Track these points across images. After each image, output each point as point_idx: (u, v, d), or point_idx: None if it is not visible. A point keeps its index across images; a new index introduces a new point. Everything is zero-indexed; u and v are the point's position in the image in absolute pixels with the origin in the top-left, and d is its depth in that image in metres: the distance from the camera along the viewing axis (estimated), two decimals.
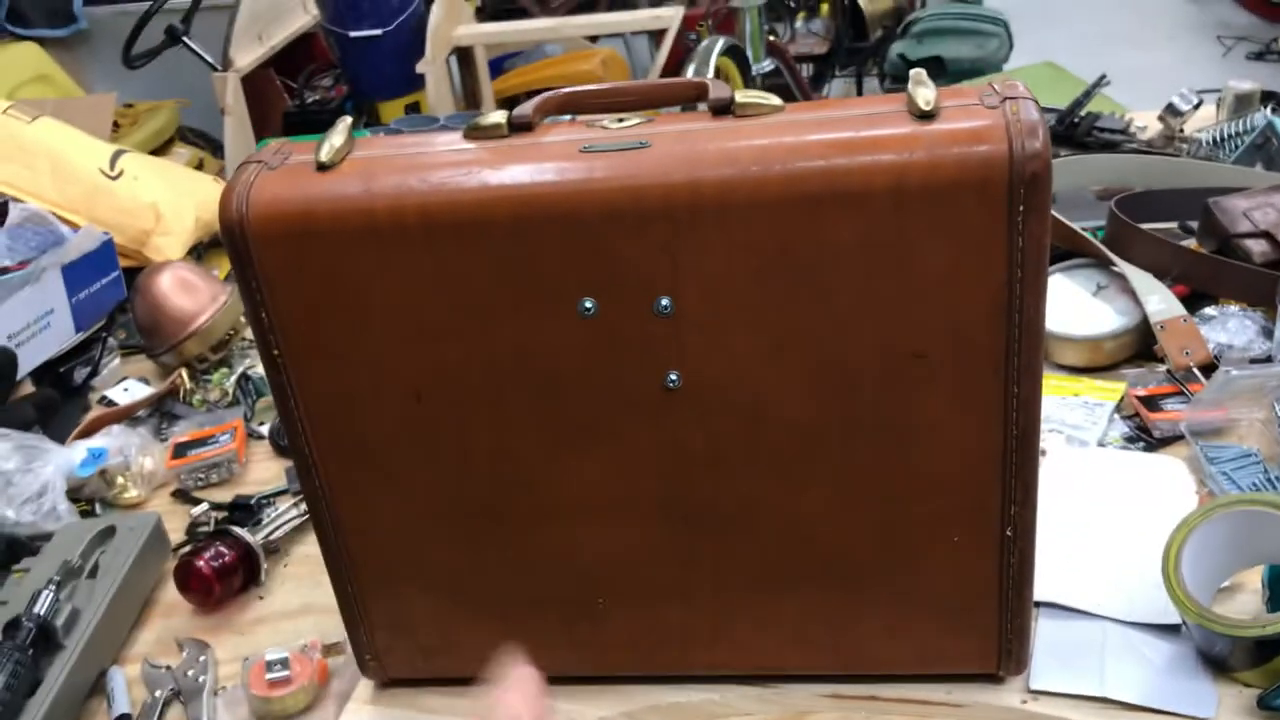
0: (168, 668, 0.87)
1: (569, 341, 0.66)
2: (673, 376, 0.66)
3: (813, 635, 0.75)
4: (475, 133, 0.66)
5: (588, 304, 0.64)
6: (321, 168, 0.65)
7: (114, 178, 1.45)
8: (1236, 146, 1.37)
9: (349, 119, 0.68)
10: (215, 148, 2.40)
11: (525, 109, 0.66)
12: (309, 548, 1.00)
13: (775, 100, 0.64)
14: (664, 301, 0.64)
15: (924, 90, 0.61)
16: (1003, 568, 0.70)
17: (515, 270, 0.64)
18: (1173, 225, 1.23)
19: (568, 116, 0.71)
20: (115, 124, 2.55)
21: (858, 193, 0.60)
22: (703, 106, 0.66)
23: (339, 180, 0.64)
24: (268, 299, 0.66)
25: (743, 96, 0.64)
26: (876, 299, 0.62)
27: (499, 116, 0.67)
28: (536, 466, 0.70)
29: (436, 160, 0.64)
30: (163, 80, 2.54)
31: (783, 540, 0.71)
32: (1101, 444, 0.98)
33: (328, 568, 0.77)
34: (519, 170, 0.63)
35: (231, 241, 0.65)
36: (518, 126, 0.66)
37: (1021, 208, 0.59)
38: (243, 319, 1.29)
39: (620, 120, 0.66)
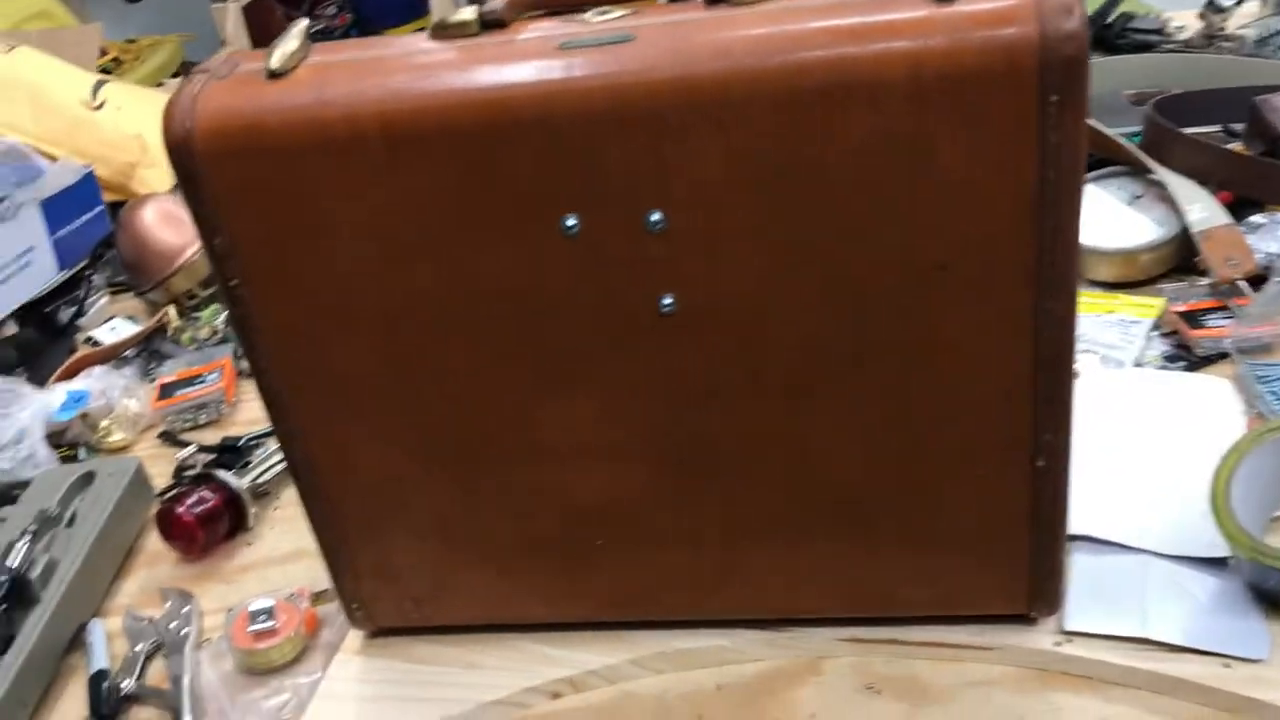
0: (151, 620, 0.83)
1: (551, 264, 0.59)
2: (666, 300, 0.60)
3: (828, 576, 0.70)
4: (442, 31, 0.60)
5: (570, 221, 0.58)
6: (273, 75, 0.58)
7: (96, 108, 1.39)
8: None
9: (305, 21, 0.62)
10: None
11: (497, 2, 0.59)
12: None
13: None
14: (655, 216, 0.57)
15: None
16: (1034, 501, 0.64)
17: (488, 185, 0.58)
18: (1215, 129, 1.15)
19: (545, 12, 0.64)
20: (117, 59, 2.48)
21: (868, 85, 0.53)
22: None
23: (290, 89, 0.58)
24: (220, 223, 0.60)
25: None
26: (891, 205, 0.56)
27: (469, 13, 0.60)
28: (522, 401, 0.64)
29: (397, 64, 0.58)
30: (166, 15, 2.47)
31: (793, 476, 0.65)
32: (1139, 364, 0.92)
33: (306, 512, 0.71)
34: (488, 72, 0.56)
35: (178, 159, 0.59)
36: (489, 24, 0.60)
37: (1054, 98, 0.52)
38: None
39: (603, 13, 0.59)
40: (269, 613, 0.78)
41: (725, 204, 0.57)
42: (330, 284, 0.62)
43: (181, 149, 0.58)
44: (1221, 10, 1.38)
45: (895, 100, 0.53)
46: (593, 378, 0.63)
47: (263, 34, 2.33)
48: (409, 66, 0.57)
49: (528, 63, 0.56)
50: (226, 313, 1.18)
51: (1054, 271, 0.57)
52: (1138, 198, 1.03)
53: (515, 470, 0.67)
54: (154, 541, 0.91)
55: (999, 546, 0.66)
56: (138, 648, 0.80)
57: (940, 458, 0.63)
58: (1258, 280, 0.95)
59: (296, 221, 0.60)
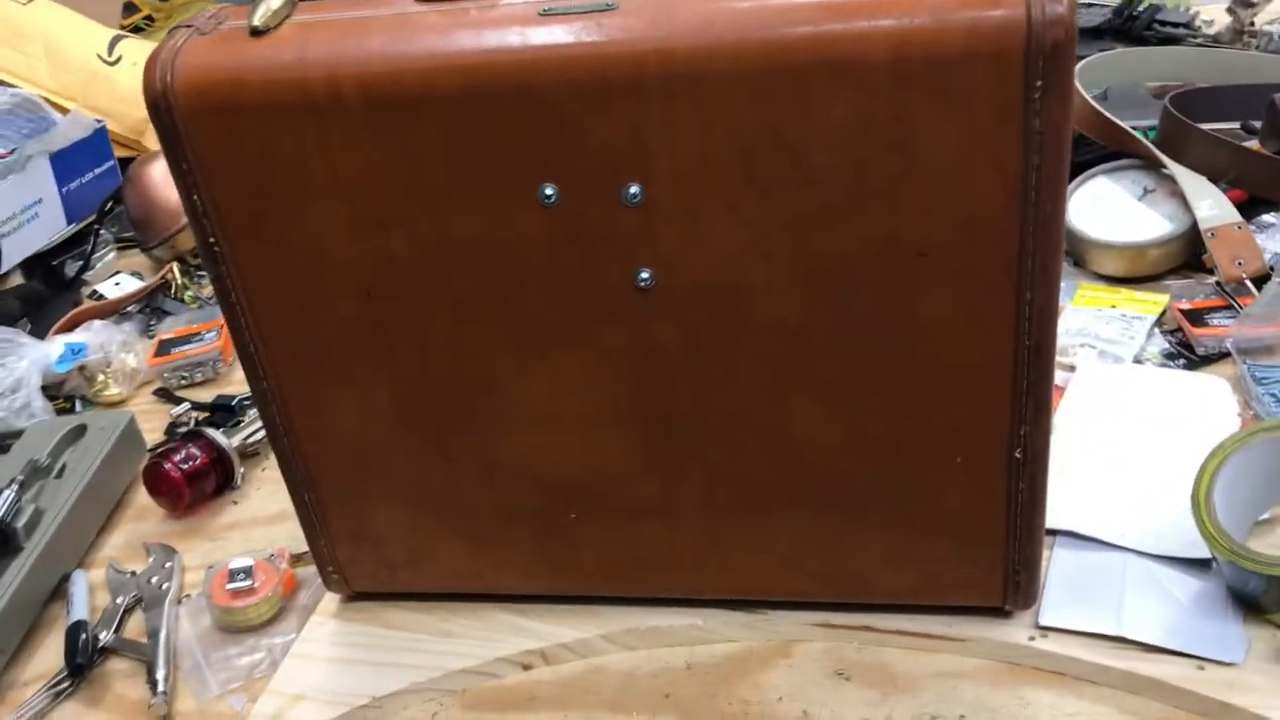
0: (133, 573, 0.83)
1: (529, 233, 0.59)
2: (644, 274, 0.59)
3: (805, 560, 0.69)
4: None
5: (549, 191, 0.57)
6: (256, 33, 0.58)
7: (112, 64, 1.39)
8: None
9: None
10: None
11: None
12: None
13: None
14: (633, 189, 0.57)
15: None
16: (1011, 493, 0.64)
17: (467, 152, 0.57)
18: (1234, 125, 1.13)
19: None
20: (150, 17, 2.47)
21: (852, 63, 0.52)
22: None
23: (273, 47, 0.57)
24: (200, 180, 0.60)
25: None
26: (873, 187, 0.55)
27: None
28: (499, 370, 0.64)
29: (380, 25, 0.57)
30: None
31: (771, 455, 0.65)
32: (1138, 360, 0.90)
33: (283, 475, 0.72)
34: (469, 36, 0.55)
35: (158, 115, 0.59)
36: None
37: (1040, 84, 0.51)
38: None
39: None
40: (248, 572, 0.78)
41: (704, 179, 0.56)
42: (308, 245, 0.61)
43: (160, 103, 0.58)
44: (1251, 5, 1.35)
45: (878, 80, 0.52)
46: (570, 348, 0.62)
47: None
48: (391, 28, 0.57)
49: (510, 28, 0.55)
50: None
51: (1037, 261, 0.56)
52: (1149, 191, 1.02)
53: (491, 439, 0.67)
54: (142, 496, 0.91)
55: (976, 537, 0.66)
56: (118, 600, 0.81)
57: (919, 444, 0.63)
58: (1264, 281, 0.94)
59: (275, 181, 0.59)
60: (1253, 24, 1.38)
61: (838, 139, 0.54)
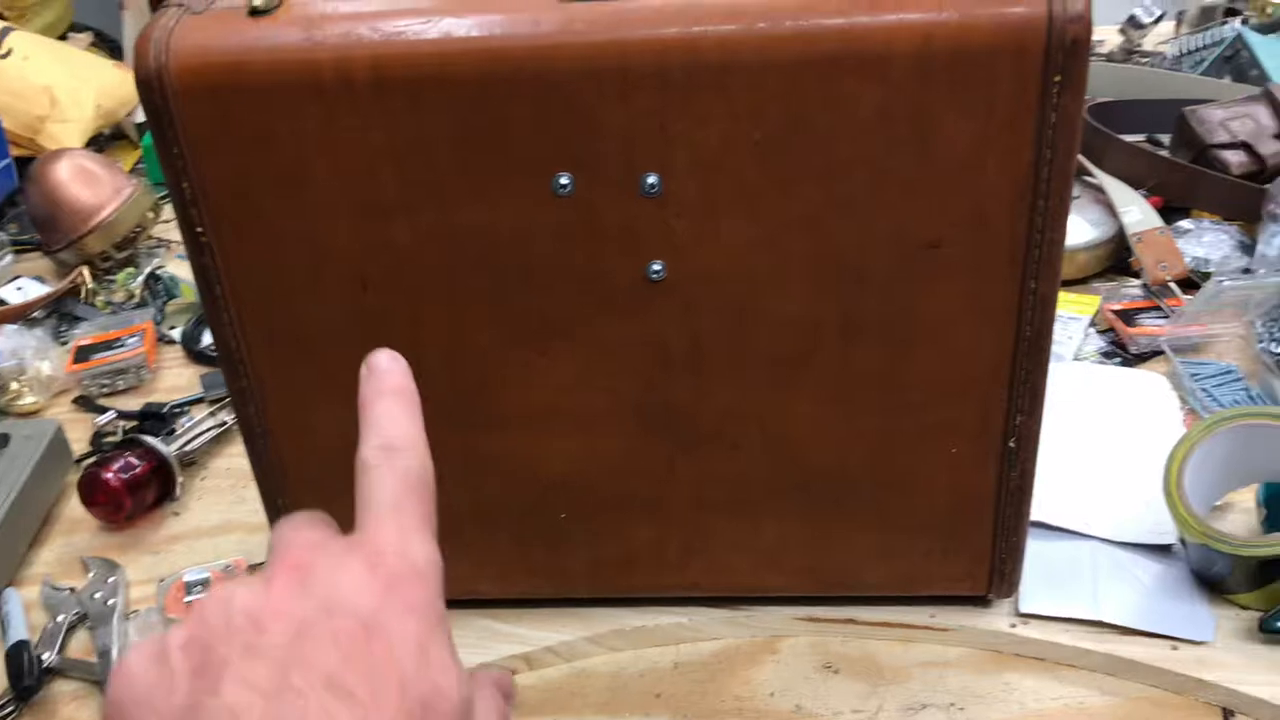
0: (71, 590, 0.79)
1: (541, 223, 0.58)
2: (656, 267, 0.59)
3: (793, 555, 0.69)
4: None
5: (564, 180, 0.57)
6: (255, 12, 0.56)
7: (2, 56, 1.32)
8: (1199, 60, 1.33)
9: None
10: (113, 48, 2.24)
11: None
12: (229, 460, 0.92)
13: None
14: (651, 179, 0.56)
15: None
16: (1001, 482, 0.65)
17: (481, 139, 0.56)
18: (1140, 138, 1.18)
19: None
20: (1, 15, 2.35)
21: (879, 56, 0.52)
22: None
23: (276, 28, 0.55)
24: (191, 166, 0.57)
25: None
26: (892, 180, 0.56)
27: None
28: (499, 367, 0.63)
29: (390, 8, 0.55)
30: None
31: (769, 454, 0.65)
32: (1077, 359, 0.94)
33: (256, 478, 0.68)
34: (488, 20, 0.54)
35: (149, 96, 0.55)
36: None
37: (1058, 78, 0.53)
38: (150, 215, 1.18)
39: None
40: (205, 584, 0.75)
41: (723, 170, 0.56)
42: (303, 234, 0.59)
43: (153, 84, 0.55)
44: (1141, 27, 1.42)
45: (903, 73, 0.53)
46: (575, 343, 0.61)
47: None
48: (403, 12, 0.55)
49: (528, 15, 0.54)
50: (145, 276, 1.14)
51: (1043, 252, 0.57)
52: (1074, 198, 1.06)
53: (483, 439, 0.66)
54: (73, 509, 0.86)
55: (965, 526, 0.67)
56: (59, 619, 0.76)
57: (917, 437, 0.64)
58: (1186, 283, 0.99)
59: (273, 168, 0.57)
60: (1141, 44, 1.46)
61: (860, 132, 0.54)
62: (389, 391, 0.39)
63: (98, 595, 0.77)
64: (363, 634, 0.30)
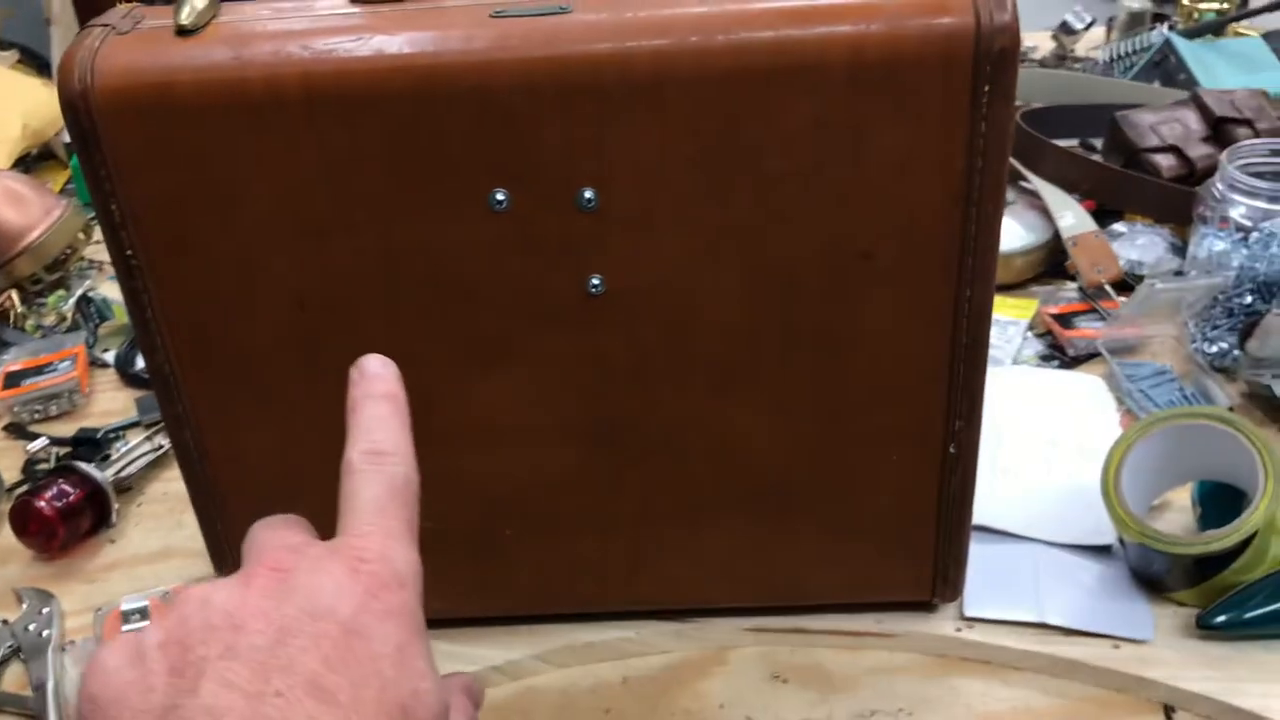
0: (4, 622, 0.77)
1: (477, 240, 0.57)
2: (595, 281, 0.59)
3: (740, 565, 0.69)
4: None
5: (500, 196, 0.56)
6: (182, 32, 0.55)
7: None
8: (1129, 65, 1.35)
9: None
10: (41, 65, 2.20)
11: None
12: (167, 485, 0.90)
13: None
14: (588, 194, 0.56)
15: None
16: (943, 488, 0.66)
17: (415, 156, 0.55)
18: (1073, 142, 1.20)
19: None
20: None
21: (811, 68, 0.53)
22: None
23: (204, 47, 0.54)
24: (119, 188, 0.56)
25: None
26: (824, 191, 0.56)
27: None
28: (439, 385, 0.62)
29: (321, 25, 0.55)
30: None
31: (712, 463, 0.65)
32: (1016, 362, 0.95)
33: (193, 504, 0.67)
34: (420, 37, 0.54)
35: (75, 118, 0.54)
36: None
37: (987, 88, 0.53)
38: (80, 236, 1.16)
39: None
40: (143, 613, 0.73)
41: (659, 183, 0.56)
42: (236, 255, 0.58)
43: (78, 106, 0.54)
44: (1073, 33, 1.45)
45: (834, 85, 0.53)
46: (516, 359, 0.61)
47: (89, 12, 2.19)
48: (333, 29, 0.54)
49: (460, 30, 0.54)
50: (76, 299, 1.12)
51: (976, 260, 0.58)
52: (1009, 204, 1.07)
53: (426, 457, 0.64)
54: (5, 538, 0.84)
55: (908, 532, 0.67)
56: None
57: (857, 444, 0.64)
58: (1120, 285, 1.00)
59: (204, 189, 0.56)
60: (1073, 50, 1.48)
61: (794, 143, 0.55)
62: (379, 396, 0.39)
63: (31, 627, 0.76)
64: (344, 638, 0.30)
